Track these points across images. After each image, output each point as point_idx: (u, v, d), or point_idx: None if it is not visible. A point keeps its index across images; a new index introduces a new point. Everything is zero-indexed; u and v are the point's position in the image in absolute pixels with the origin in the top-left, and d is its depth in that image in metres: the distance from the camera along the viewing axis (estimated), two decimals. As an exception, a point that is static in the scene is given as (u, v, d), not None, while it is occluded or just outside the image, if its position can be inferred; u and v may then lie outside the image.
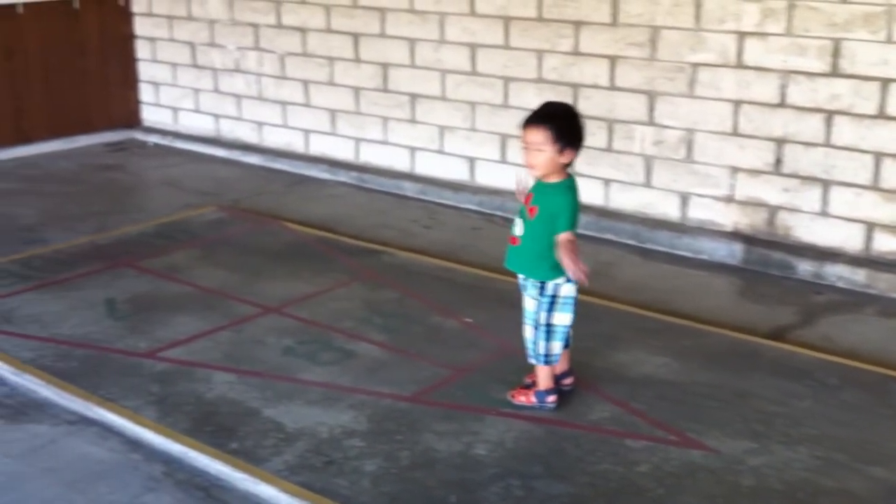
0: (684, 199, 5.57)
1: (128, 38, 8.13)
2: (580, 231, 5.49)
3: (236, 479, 3.26)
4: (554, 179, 3.53)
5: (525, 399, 3.70)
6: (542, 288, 3.57)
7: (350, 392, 3.83)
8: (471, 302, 4.70)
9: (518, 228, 3.59)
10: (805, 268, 5.08)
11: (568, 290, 3.59)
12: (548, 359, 3.65)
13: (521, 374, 3.87)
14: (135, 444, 3.51)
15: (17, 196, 6.54)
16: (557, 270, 3.52)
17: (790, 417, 3.64)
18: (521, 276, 3.65)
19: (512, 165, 6.21)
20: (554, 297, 3.58)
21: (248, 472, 3.27)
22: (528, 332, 3.67)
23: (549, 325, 3.61)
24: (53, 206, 6.30)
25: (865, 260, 5.01)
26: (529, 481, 3.24)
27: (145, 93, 8.26)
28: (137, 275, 5.05)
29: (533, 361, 3.68)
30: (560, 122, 3.49)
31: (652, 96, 5.57)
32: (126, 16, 8.09)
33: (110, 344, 4.24)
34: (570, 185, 3.54)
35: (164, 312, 4.57)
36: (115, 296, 4.76)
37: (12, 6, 7.40)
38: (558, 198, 3.50)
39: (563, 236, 3.47)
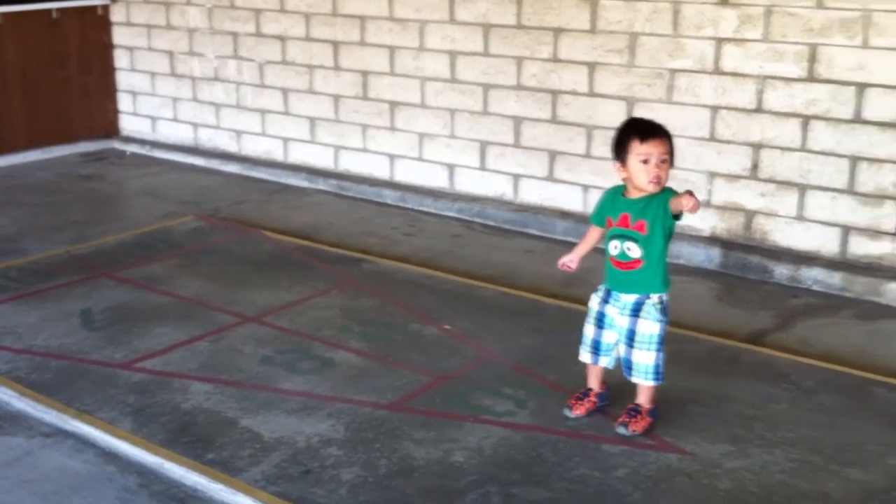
0: (663, 204, 5.58)
1: (107, 48, 8.11)
2: (568, 238, 5.60)
3: (212, 489, 3.25)
4: (644, 193, 3.50)
5: (645, 423, 3.57)
6: (661, 303, 3.52)
7: (329, 401, 3.81)
8: (451, 309, 4.70)
9: (634, 251, 3.48)
10: (782, 272, 5.10)
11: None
12: (664, 375, 3.57)
13: (501, 381, 3.87)
14: (110, 456, 3.49)
15: (-6, 207, 6.51)
16: (667, 279, 3.54)
17: (768, 421, 3.66)
18: (636, 296, 3.52)
19: (491, 172, 6.23)
20: (664, 308, 3.54)
21: (225, 483, 3.25)
22: (649, 357, 3.50)
23: (662, 341, 3.54)
24: (31, 217, 6.27)
25: (842, 263, 5.03)
26: (508, 488, 3.23)
27: (124, 102, 8.24)
28: (115, 285, 5.03)
29: (652, 383, 3.54)
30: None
31: (631, 102, 5.58)
32: (105, 25, 8.07)
33: (86, 355, 4.22)
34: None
35: (141, 323, 4.55)
36: (93, 306, 4.73)
37: (-10, 16, 7.39)
38: (660, 198, 3.48)
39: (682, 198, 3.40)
